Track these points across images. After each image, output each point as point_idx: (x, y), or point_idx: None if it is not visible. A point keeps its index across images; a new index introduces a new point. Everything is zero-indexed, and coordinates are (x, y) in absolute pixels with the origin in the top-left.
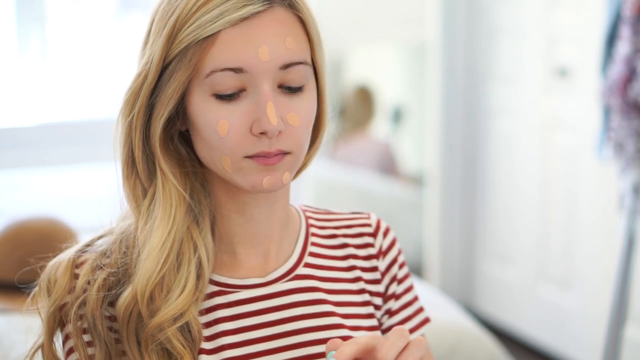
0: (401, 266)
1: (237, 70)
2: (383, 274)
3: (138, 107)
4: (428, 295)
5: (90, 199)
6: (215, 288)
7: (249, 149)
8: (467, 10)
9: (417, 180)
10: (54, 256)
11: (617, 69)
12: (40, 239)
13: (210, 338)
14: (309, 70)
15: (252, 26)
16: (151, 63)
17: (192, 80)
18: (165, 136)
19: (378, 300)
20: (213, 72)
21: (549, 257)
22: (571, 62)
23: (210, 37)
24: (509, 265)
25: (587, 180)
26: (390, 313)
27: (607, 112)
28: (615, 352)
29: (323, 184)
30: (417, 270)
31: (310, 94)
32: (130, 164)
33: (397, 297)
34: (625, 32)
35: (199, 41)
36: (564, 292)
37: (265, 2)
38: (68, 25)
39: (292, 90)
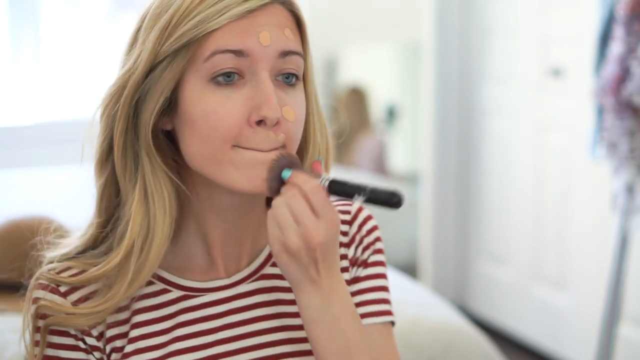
0: (375, 252)
1: (237, 53)
2: (352, 261)
3: (123, 101)
4: (422, 295)
5: (83, 199)
6: (181, 293)
7: (243, 141)
8: (460, 10)
9: (411, 180)
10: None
11: (610, 68)
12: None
13: (162, 345)
14: (302, 65)
15: (253, 16)
16: (140, 58)
17: (187, 69)
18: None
19: None
20: (213, 54)
21: (543, 257)
22: (565, 62)
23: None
24: (503, 264)
25: (581, 179)
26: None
27: (600, 112)
28: (608, 351)
29: None
30: (411, 270)
31: (301, 92)
32: (104, 162)
33: (359, 279)
34: (618, 32)
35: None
36: (558, 291)
37: None
38: (61, 25)
39: (287, 81)
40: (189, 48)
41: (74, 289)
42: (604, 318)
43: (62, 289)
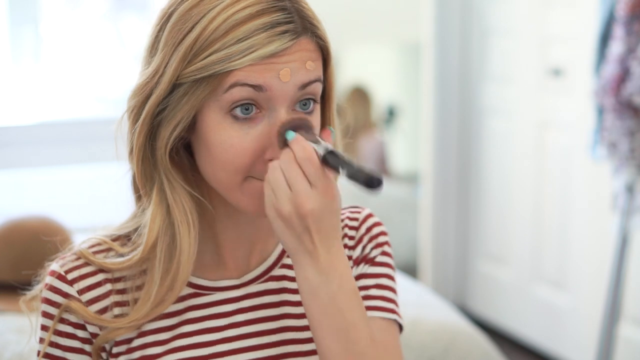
0: (383, 253)
1: (257, 88)
2: (357, 260)
3: (143, 117)
4: (422, 295)
5: (83, 199)
6: (191, 290)
7: (256, 173)
8: (461, 10)
9: (411, 180)
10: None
11: (611, 68)
12: (34, 239)
13: (167, 341)
14: (320, 88)
15: (276, 55)
16: (161, 76)
17: (207, 98)
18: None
19: None
20: (232, 86)
21: (543, 257)
22: (565, 62)
23: None
24: (503, 264)
25: (581, 179)
26: None
27: (600, 111)
28: (608, 351)
29: None
30: (411, 270)
31: (317, 114)
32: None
33: (365, 276)
34: (618, 31)
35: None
36: (558, 291)
37: (293, 37)
38: (61, 25)
39: (305, 108)
40: (210, 81)
41: (81, 277)
42: (604, 318)
43: (70, 276)
